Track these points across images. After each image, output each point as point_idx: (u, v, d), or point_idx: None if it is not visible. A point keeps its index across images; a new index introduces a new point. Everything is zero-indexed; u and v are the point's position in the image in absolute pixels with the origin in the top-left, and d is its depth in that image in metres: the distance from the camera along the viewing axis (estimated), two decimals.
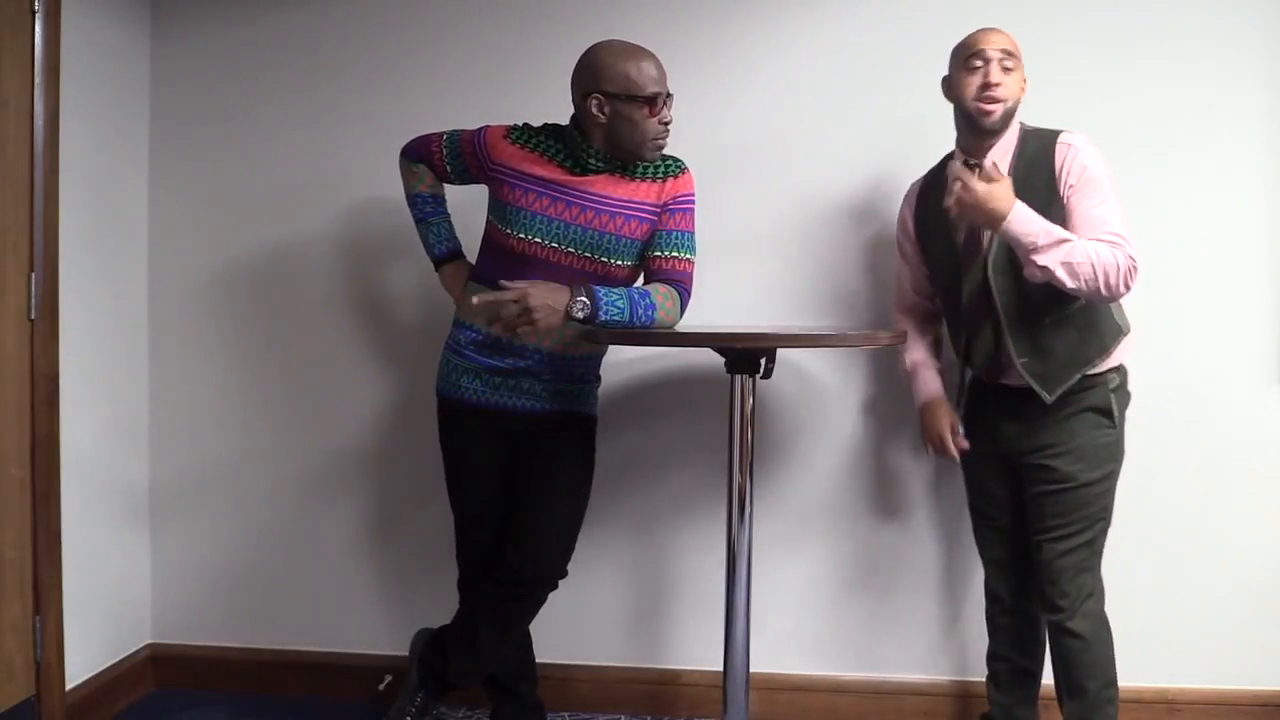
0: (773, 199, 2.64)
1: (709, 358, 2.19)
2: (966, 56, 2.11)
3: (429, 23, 2.73)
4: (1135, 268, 1.96)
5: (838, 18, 2.62)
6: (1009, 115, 2.11)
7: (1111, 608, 2.57)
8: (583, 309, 1.99)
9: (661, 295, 2.09)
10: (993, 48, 2.08)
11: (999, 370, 2.18)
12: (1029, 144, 2.11)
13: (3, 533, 2.28)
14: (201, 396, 2.84)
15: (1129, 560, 2.58)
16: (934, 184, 2.26)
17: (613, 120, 2.09)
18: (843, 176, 2.61)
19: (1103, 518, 2.17)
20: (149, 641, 2.87)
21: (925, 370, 2.35)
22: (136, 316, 2.82)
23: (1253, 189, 2.53)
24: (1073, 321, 2.09)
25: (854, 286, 2.63)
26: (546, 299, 1.97)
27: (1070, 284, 1.95)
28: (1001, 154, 2.12)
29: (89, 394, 2.59)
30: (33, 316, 2.35)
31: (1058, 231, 1.96)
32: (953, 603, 2.65)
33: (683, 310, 2.15)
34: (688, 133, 2.60)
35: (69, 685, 2.49)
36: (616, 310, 2.01)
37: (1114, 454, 2.16)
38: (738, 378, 2.05)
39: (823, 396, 2.66)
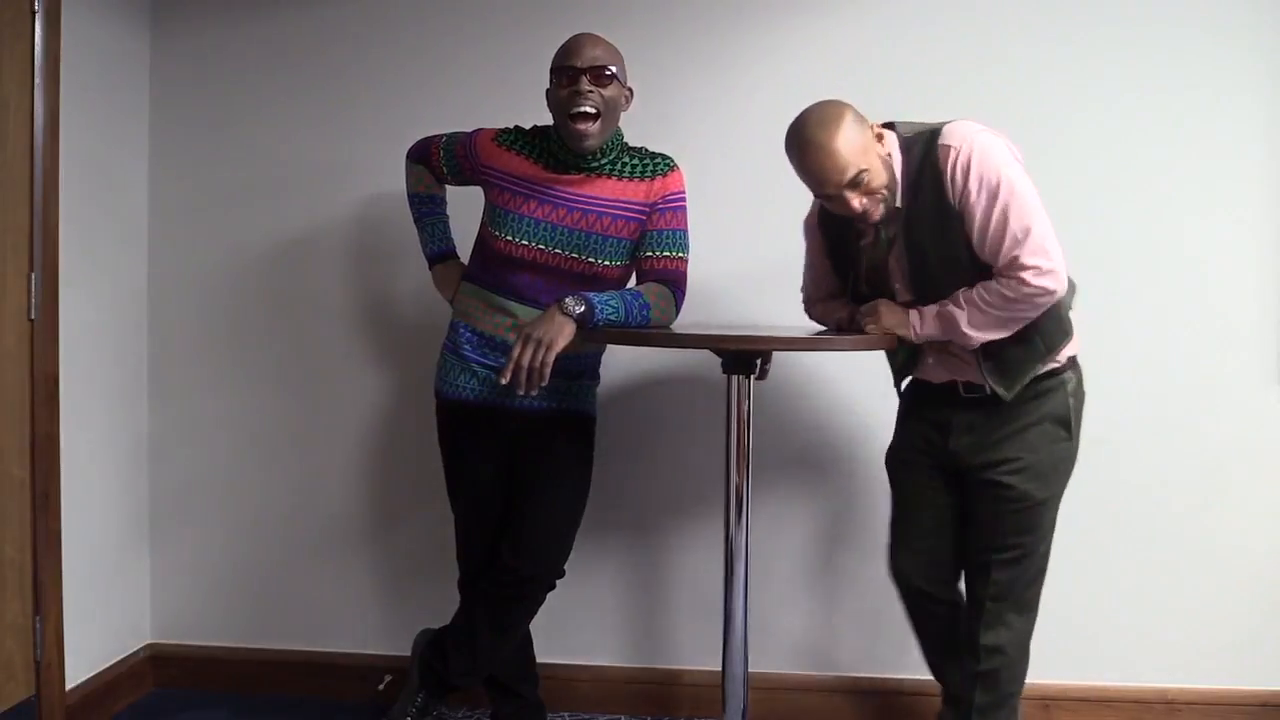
0: (774, 200, 2.64)
1: (706, 358, 2.19)
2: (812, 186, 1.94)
3: (429, 22, 2.73)
4: (1043, 276, 1.82)
5: (838, 19, 2.62)
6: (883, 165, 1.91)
7: (1112, 607, 2.58)
8: (577, 302, 1.98)
9: (654, 294, 2.09)
10: (832, 174, 1.87)
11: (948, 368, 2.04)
12: (914, 150, 1.94)
13: (3, 533, 2.28)
14: (201, 397, 2.84)
15: (1130, 560, 2.58)
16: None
17: (550, 105, 2.13)
18: None
19: (1050, 534, 2.04)
20: (149, 641, 2.88)
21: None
22: (136, 316, 2.82)
23: (1252, 188, 2.52)
24: None
25: None
26: (544, 327, 1.96)
27: (1014, 329, 1.90)
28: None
29: (89, 394, 2.59)
30: (33, 316, 2.35)
31: (958, 313, 1.89)
32: None
33: (678, 309, 2.15)
34: (690, 132, 2.61)
35: (69, 685, 2.50)
36: (611, 309, 2.01)
37: (1068, 469, 2.04)
38: (734, 378, 2.05)
39: (819, 396, 2.66)
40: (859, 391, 2.64)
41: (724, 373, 2.06)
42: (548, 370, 1.95)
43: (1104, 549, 2.57)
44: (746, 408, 2.05)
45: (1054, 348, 1.97)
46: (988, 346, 1.94)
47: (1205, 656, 2.57)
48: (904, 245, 1.97)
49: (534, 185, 2.15)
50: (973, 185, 1.85)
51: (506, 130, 2.22)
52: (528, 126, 2.24)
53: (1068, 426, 2.00)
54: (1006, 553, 2.00)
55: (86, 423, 2.58)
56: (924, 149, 1.91)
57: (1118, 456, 2.55)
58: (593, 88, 2.06)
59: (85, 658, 2.59)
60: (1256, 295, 2.53)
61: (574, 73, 2.07)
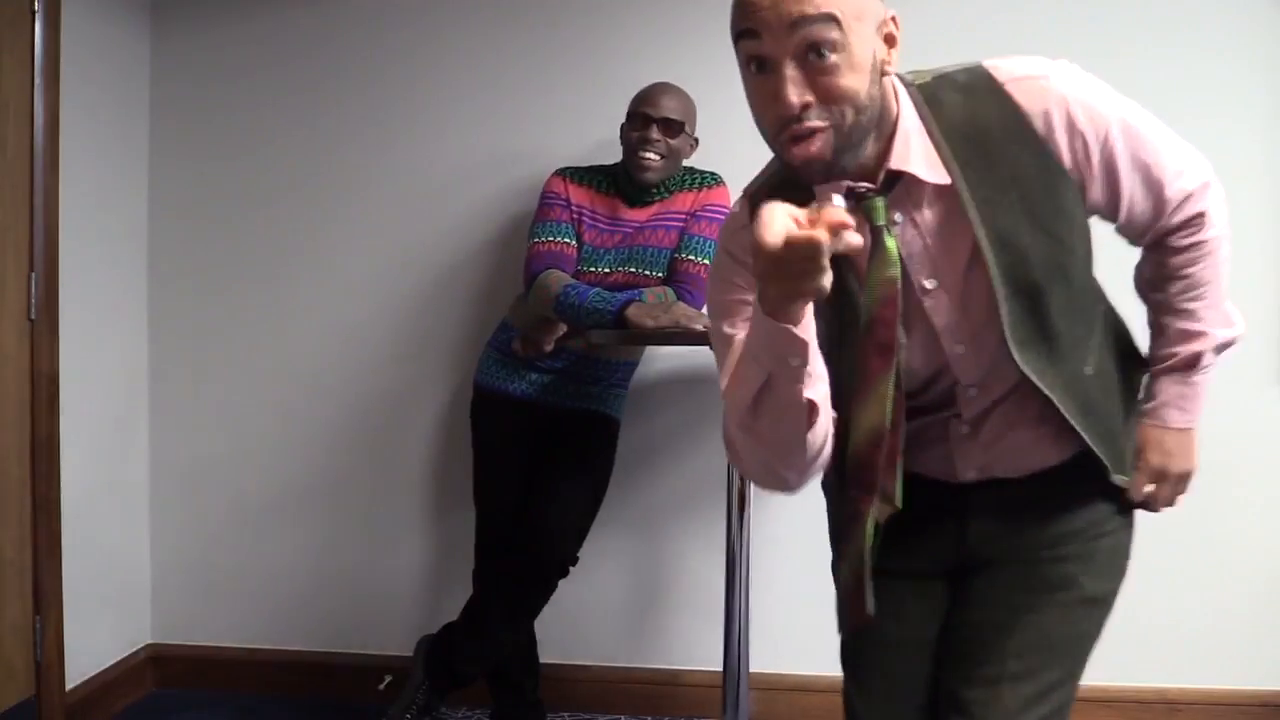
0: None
1: (708, 358, 2.19)
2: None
3: (429, 21, 2.73)
4: (1214, 196, 1.28)
5: None
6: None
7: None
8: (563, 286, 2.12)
9: (651, 292, 2.19)
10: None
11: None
12: (947, 104, 1.16)
13: (3, 533, 2.28)
14: (201, 396, 2.84)
15: (1129, 560, 2.58)
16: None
17: (622, 139, 2.27)
18: None
19: (1087, 658, 1.39)
20: (149, 641, 2.87)
21: None
22: (136, 316, 2.82)
23: (1252, 187, 2.52)
24: (1105, 348, 1.35)
25: None
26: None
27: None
28: (887, 148, 1.14)
29: (89, 394, 2.59)
30: (33, 316, 2.35)
31: (1200, 341, 1.35)
32: None
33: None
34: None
35: (69, 685, 2.49)
36: (595, 293, 2.11)
37: (1125, 564, 1.44)
38: None
39: None
40: None
41: None
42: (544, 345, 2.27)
43: None
44: None
45: (1140, 383, 1.36)
46: (1084, 396, 1.26)
47: (1205, 656, 2.57)
48: (990, 244, 1.16)
49: (606, 218, 2.31)
50: (1112, 135, 1.23)
51: (570, 169, 2.35)
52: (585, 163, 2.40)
53: (1129, 503, 1.38)
54: (1025, 678, 1.29)
55: (86, 423, 2.58)
56: (969, 95, 1.16)
57: None
58: (660, 136, 2.22)
59: (85, 658, 2.58)
60: (1257, 295, 2.53)
61: (646, 120, 2.22)
